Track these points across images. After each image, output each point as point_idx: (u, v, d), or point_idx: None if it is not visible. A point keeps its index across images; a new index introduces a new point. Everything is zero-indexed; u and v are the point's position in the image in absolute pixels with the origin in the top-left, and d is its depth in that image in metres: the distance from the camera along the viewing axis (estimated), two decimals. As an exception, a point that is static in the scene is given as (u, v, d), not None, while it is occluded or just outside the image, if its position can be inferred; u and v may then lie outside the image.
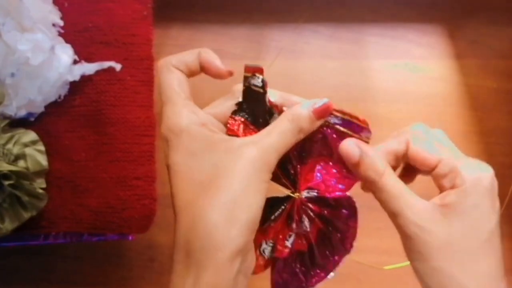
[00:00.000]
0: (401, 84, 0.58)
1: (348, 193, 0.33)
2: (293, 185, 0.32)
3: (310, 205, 0.32)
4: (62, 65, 0.43)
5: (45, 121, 0.45)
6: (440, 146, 0.32)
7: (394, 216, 0.31)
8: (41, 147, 0.43)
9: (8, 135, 0.42)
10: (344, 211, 0.33)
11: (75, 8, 0.46)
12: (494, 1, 0.60)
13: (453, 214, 0.29)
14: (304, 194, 0.32)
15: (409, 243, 0.30)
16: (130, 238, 0.46)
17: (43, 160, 0.43)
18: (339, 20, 0.59)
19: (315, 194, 0.33)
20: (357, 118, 0.31)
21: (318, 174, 0.33)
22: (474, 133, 0.57)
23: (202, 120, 0.30)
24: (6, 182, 0.40)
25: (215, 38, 0.57)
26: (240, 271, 0.27)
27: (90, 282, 0.53)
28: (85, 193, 0.45)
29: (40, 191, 0.42)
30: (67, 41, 0.45)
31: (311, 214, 0.33)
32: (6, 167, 0.40)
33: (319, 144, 0.32)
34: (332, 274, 0.33)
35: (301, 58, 0.56)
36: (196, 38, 0.57)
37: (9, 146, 0.42)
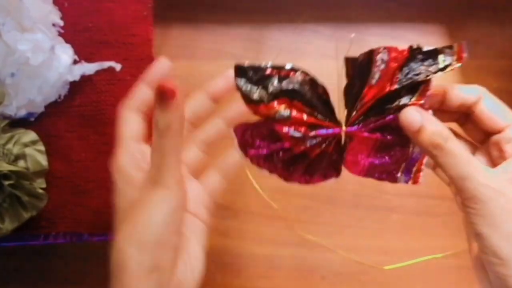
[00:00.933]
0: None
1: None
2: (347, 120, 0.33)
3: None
4: (62, 65, 0.43)
5: (45, 121, 0.45)
6: (510, 112, 0.32)
7: (462, 179, 0.29)
8: (41, 147, 0.43)
9: (8, 135, 0.42)
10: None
11: (75, 8, 0.46)
12: (494, 1, 0.60)
13: None
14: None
15: (480, 206, 0.29)
16: (130, 238, 0.46)
17: (43, 160, 0.43)
18: (339, 20, 0.59)
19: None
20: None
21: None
22: (474, 133, 0.57)
23: (135, 161, 0.34)
24: (6, 182, 0.40)
25: (215, 38, 0.57)
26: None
27: (90, 282, 0.53)
28: (85, 193, 0.45)
29: (40, 191, 0.42)
30: (67, 41, 0.45)
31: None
32: (6, 167, 0.40)
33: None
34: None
35: (301, 58, 0.56)
36: (196, 38, 0.57)
37: (9, 146, 0.42)
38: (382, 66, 0.31)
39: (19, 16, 0.42)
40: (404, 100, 0.31)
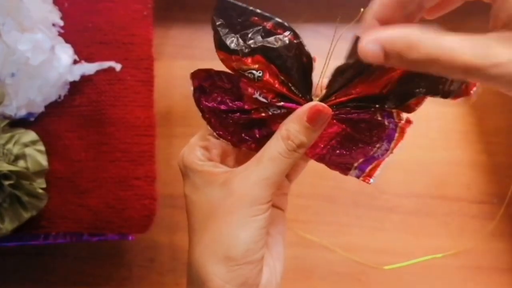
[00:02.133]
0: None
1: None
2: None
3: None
4: (62, 65, 0.43)
5: (45, 121, 0.45)
6: None
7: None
8: (41, 147, 0.43)
9: (8, 135, 0.42)
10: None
11: (75, 8, 0.46)
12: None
13: None
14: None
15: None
16: (130, 238, 0.46)
17: (43, 160, 0.43)
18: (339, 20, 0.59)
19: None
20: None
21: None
22: (474, 133, 0.57)
23: (212, 155, 0.31)
24: (6, 182, 0.40)
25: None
26: None
27: (90, 282, 0.53)
28: (85, 193, 0.45)
29: (40, 191, 0.42)
30: (67, 41, 0.45)
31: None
32: (6, 167, 0.40)
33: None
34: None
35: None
36: (196, 38, 0.57)
37: (9, 146, 0.42)
38: (385, 70, 0.28)
39: (19, 16, 0.42)
40: (389, 104, 0.29)
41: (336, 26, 0.29)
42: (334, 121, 0.30)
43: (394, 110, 0.30)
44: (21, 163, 0.42)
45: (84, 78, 0.45)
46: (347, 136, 0.30)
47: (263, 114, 0.30)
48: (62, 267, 0.53)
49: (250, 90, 0.29)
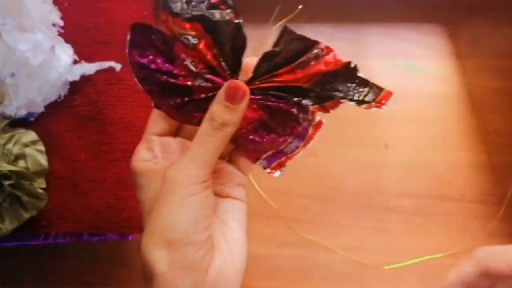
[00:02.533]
0: (401, 84, 0.58)
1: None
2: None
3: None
4: (62, 65, 0.43)
5: (45, 121, 0.45)
6: None
7: None
8: (41, 147, 0.43)
9: (8, 135, 0.42)
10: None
11: (75, 8, 0.46)
12: (494, 1, 0.60)
13: None
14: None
15: None
16: (130, 238, 0.46)
17: (43, 160, 0.43)
18: (339, 20, 0.59)
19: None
20: None
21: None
22: (474, 133, 0.57)
23: (156, 153, 0.32)
24: (6, 182, 0.40)
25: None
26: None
27: (90, 282, 0.53)
28: (85, 193, 0.45)
29: (40, 191, 0.42)
30: (67, 41, 0.45)
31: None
32: (6, 167, 0.40)
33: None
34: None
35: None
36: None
37: (9, 146, 0.42)
38: (312, 62, 0.30)
39: (19, 16, 0.42)
40: (306, 102, 0.31)
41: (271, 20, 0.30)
42: (255, 106, 0.31)
43: (310, 108, 0.31)
44: (21, 163, 0.42)
45: (84, 78, 0.45)
46: (262, 124, 0.32)
47: (189, 83, 0.31)
48: (62, 267, 0.53)
49: (183, 56, 0.30)
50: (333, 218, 0.54)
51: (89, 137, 0.45)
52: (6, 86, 0.42)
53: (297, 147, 0.33)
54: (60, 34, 0.45)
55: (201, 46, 0.29)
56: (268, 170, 0.34)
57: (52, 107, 0.45)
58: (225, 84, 0.30)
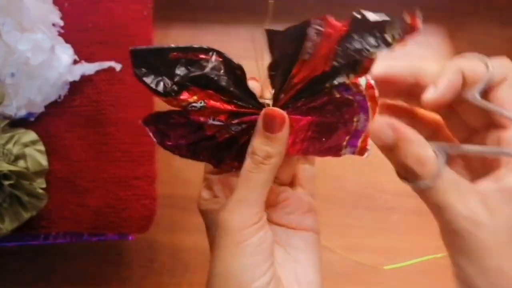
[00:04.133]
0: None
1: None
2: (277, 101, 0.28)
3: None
4: (62, 65, 0.43)
5: (45, 121, 0.45)
6: None
7: (439, 210, 0.26)
8: (41, 147, 0.43)
9: (8, 135, 0.42)
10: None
11: (75, 8, 0.46)
12: (494, 1, 0.60)
13: None
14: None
15: (456, 240, 0.26)
16: (130, 238, 0.46)
17: (43, 160, 0.43)
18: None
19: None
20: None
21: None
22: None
23: (216, 192, 0.31)
24: (6, 182, 0.40)
25: (215, 38, 0.57)
26: None
27: (90, 282, 0.53)
28: (85, 193, 0.45)
29: (40, 191, 0.42)
30: (67, 41, 0.45)
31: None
32: (6, 167, 0.40)
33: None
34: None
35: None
36: (196, 38, 0.57)
37: (9, 146, 0.42)
38: (317, 40, 0.27)
39: (19, 16, 0.42)
40: (340, 79, 0.27)
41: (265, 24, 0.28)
42: (298, 116, 0.29)
43: (348, 82, 0.28)
44: (21, 163, 0.42)
45: (84, 78, 0.45)
46: (319, 124, 0.29)
47: (227, 135, 0.29)
48: (62, 267, 0.53)
49: (202, 119, 0.29)
50: (333, 218, 0.54)
51: (89, 137, 0.45)
52: (6, 86, 0.42)
53: (366, 120, 0.29)
54: (60, 34, 0.45)
55: (210, 103, 0.28)
56: (356, 153, 0.29)
57: (52, 107, 0.45)
58: (261, 114, 0.28)
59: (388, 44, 0.27)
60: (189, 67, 0.27)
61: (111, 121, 0.45)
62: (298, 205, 0.31)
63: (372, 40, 0.27)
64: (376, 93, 0.28)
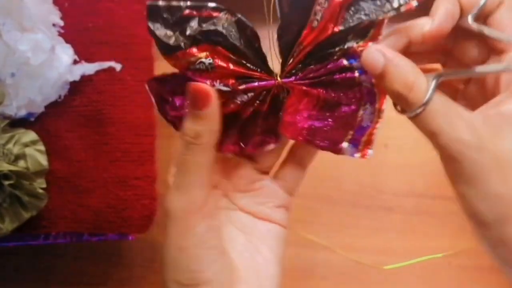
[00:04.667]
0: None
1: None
2: (285, 71, 0.28)
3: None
4: (62, 65, 0.43)
5: (45, 121, 0.45)
6: None
7: (433, 135, 0.25)
8: (41, 147, 0.43)
9: (8, 135, 0.42)
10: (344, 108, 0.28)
11: (75, 8, 0.46)
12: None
13: (510, 125, 0.24)
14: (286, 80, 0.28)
15: (454, 166, 0.25)
16: (130, 238, 0.46)
17: (43, 160, 0.43)
18: None
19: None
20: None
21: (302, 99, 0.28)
22: (474, 133, 0.57)
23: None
24: (6, 182, 0.40)
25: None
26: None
27: (90, 282, 0.53)
28: (85, 193, 0.45)
29: (40, 191, 0.42)
30: (67, 41, 0.45)
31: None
32: (6, 167, 0.40)
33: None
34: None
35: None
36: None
37: (9, 146, 0.42)
38: (326, 5, 0.26)
39: (19, 16, 0.42)
40: (350, 43, 0.27)
41: None
42: (304, 88, 0.28)
43: (357, 48, 0.27)
44: (21, 163, 0.42)
45: (84, 78, 0.45)
46: (325, 103, 0.28)
47: (231, 106, 0.29)
48: (62, 267, 0.53)
49: (209, 82, 0.28)
50: (333, 218, 0.54)
51: (89, 137, 0.45)
52: (6, 86, 0.42)
53: (372, 113, 0.28)
54: (60, 34, 0.45)
55: (218, 62, 0.28)
56: (357, 155, 0.29)
57: (52, 107, 0.45)
58: (187, 90, 0.26)
59: (395, 8, 0.27)
60: (202, 24, 0.27)
61: (111, 121, 0.45)
62: (271, 197, 0.30)
63: (379, 4, 0.26)
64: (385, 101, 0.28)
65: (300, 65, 0.28)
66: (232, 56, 0.28)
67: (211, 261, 0.27)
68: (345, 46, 0.27)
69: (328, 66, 0.28)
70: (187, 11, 0.27)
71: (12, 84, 0.42)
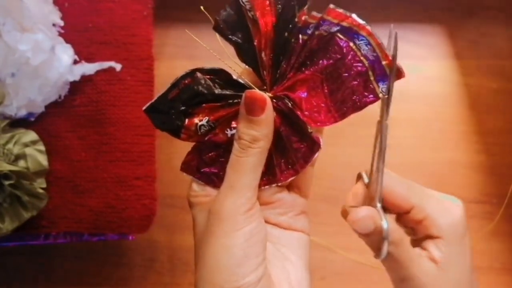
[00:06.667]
0: (401, 84, 0.58)
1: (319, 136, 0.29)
2: (272, 82, 0.29)
3: (274, 113, 0.29)
4: (62, 65, 0.43)
5: (45, 121, 0.45)
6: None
7: (404, 280, 0.29)
8: (41, 147, 0.43)
9: (9, 135, 0.42)
10: (303, 145, 0.29)
11: (75, 8, 0.46)
12: (494, 1, 0.60)
13: (446, 266, 0.29)
14: (276, 99, 0.28)
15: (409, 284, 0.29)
16: (130, 238, 0.46)
17: (43, 160, 0.43)
18: None
19: (289, 105, 0.28)
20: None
21: (305, 93, 0.29)
22: (474, 133, 0.57)
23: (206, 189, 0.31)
24: (7, 182, 0.40)
25: (215, 38, 0.57)
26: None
27: (90, 282, 0.53)
28: (85, 193, 0.45)
29: (40, 191, 0.42)
30: (67, 41, 0.45)
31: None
32: (6, 167, 0.40)
33: (324, 54, 0.28)
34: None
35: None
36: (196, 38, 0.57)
37: (10, 146, 0.42)
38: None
39: (20, 16, 0.42)
40: (296, 19, 0.28)
41: None
42: (296, 78, 0.29)
43: (300, 16, 0.28)
44: (22, 163, 0.42)
45: (84, 78, 0.45)
46: (322, 74, 0.28)
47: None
48: (62, 267, 0.53)
49: (220, 136, 0.29)
50: (333, 218, 0.53)
51: (89, 137, 0.45)
52: (6, 86, 0.42)
53: (368, 44, 0.28)
54: (60, 34, 0.45)
55: (213, 117, 0.29)
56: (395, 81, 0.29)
57: (52, 107, 0.45)
58: (243, 97, 0.28)
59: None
60: (182, 95, 0.29)
61: (111, 121, 0.45)
62: (291, 207, 0.31)
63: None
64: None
65: (276, 70, 0.29)
66: (220, 105, 0.29)
67: (256, 265, 0.27)
68: (294, 23, 0.28)
69: (297, 50, 0.28)
70: (171, 94, 0.29)
71: (12, 84, 0.42)
